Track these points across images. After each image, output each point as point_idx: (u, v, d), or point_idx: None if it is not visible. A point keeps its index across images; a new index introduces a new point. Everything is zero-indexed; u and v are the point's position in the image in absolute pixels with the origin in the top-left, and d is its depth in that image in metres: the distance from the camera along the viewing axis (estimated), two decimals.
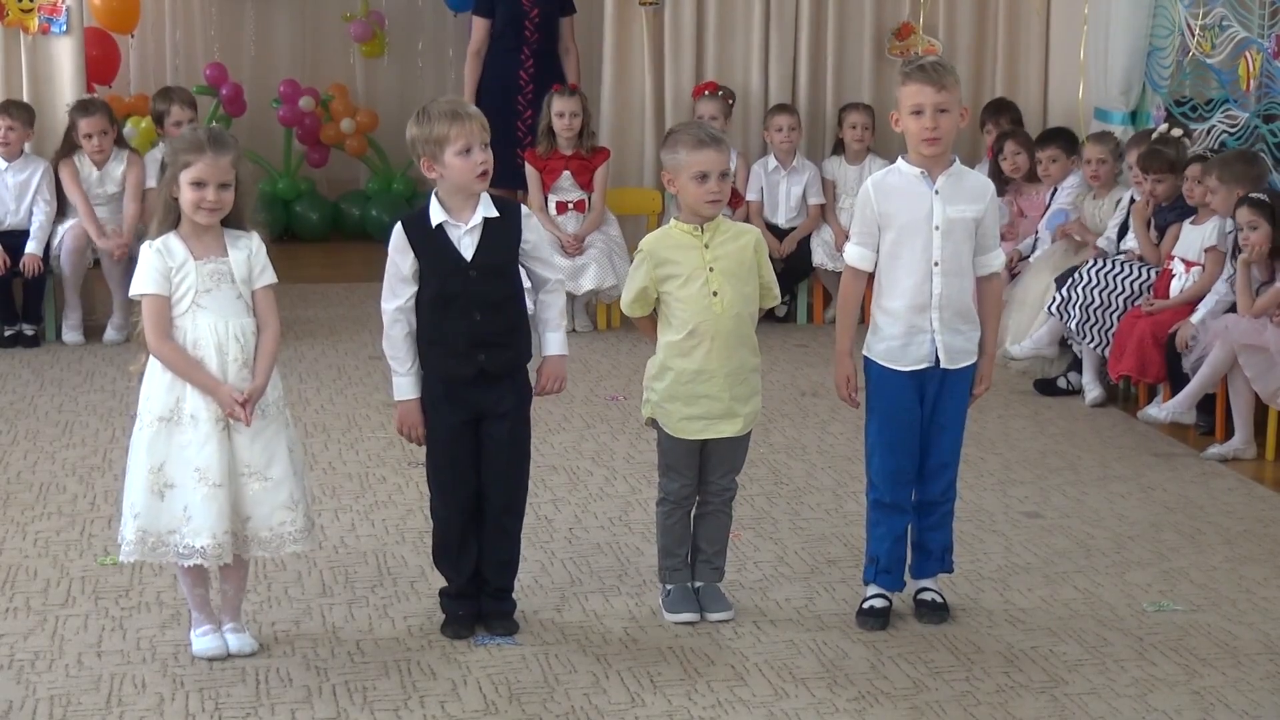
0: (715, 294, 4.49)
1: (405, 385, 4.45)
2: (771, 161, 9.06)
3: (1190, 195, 7.01)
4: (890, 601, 4.63)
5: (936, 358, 4.52)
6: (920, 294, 4.48)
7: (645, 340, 4.75)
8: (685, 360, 4.52)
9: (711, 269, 4.49)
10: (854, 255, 4.59)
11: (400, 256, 4.39)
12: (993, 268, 4.59)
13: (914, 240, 4.48)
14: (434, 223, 4.38)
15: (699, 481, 4.62)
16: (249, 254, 4.27)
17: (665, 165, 4.55)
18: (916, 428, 4.56)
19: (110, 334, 8.33)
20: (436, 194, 4.42)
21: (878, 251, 4.53)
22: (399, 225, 4.43)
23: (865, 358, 4.59)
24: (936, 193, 4.47)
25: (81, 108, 8.34)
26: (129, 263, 8.26)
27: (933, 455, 4.60)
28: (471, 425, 4.45)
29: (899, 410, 4.55)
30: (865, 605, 4.63)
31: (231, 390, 4.17)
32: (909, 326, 4.51)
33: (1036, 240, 8.14)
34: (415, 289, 4.39)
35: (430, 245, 4.38)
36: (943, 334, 4.51)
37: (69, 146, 8.36)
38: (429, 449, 4.51)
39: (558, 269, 4.64)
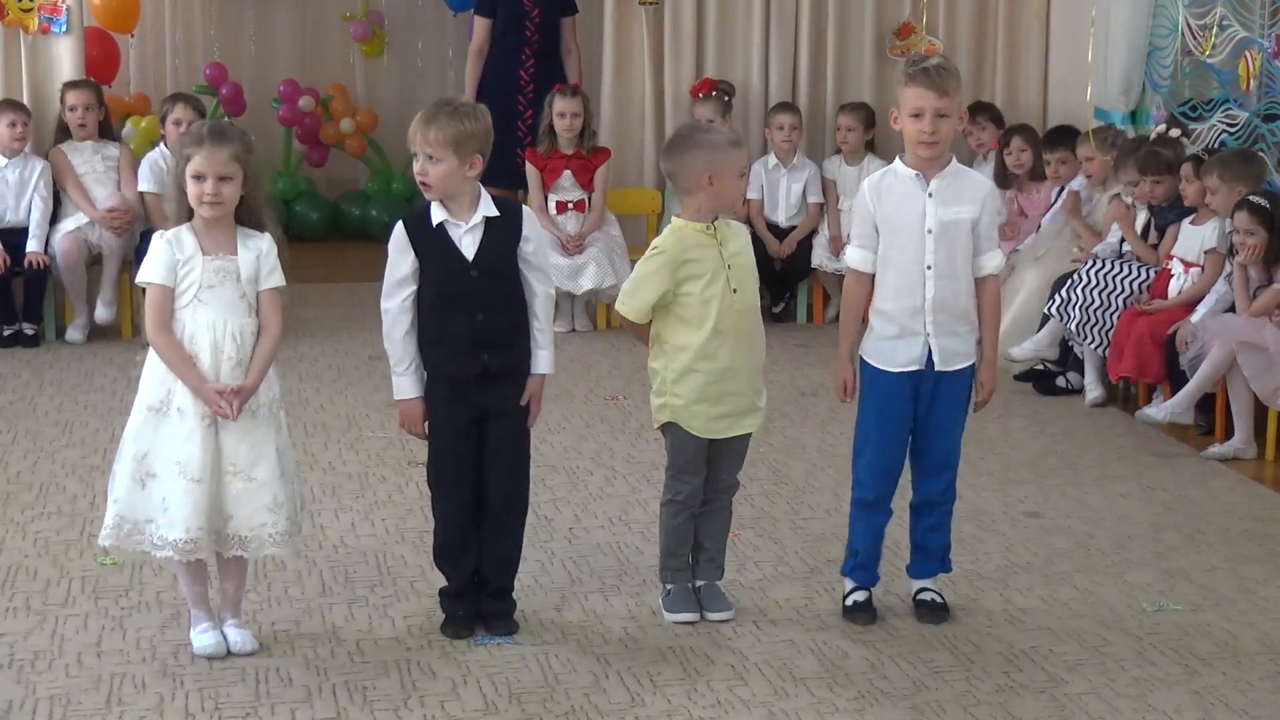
0: (735, 291, 4.49)
1: (405, 384, 4.44)
2: (772, 160, 9.07)
3: (1184, 196, 7.01)
4: (870, 592, 4.65)
5: (930, 360, 4.52)
6: (913, 297, 4.48)
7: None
8: (712, 361, 4.50)
9: (730, 266, 4.50)
10: (855, 258, 4.58)
11: (400, 256, 4.38)
12: (989, 269, 4.56)
13: (906, 243, 4.47)
14: (435, 221, 4.38)
15: (706, 480, 4.62)
16: (259, 254, 4.26)
17: (708, 165, 4.44)
18: (907, 428, 4.57)
19: (100, 312, 8.36)
20: None
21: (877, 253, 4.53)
22: (399, 224, 4.42)
23: (860, 357, 4.60)
24: (930, 195, 4.47)
25: (71, 83, 8.51)
26: (129, 239, 8.30)
27: (930, 456, 4.60)
28: (474, 425, 4.45)
29: (890, 410, 4.55)
30: (849, 602, 4.65)
31: (216, 387, 4.16)
32: (902, 328, 4.50)
33: (1036, 237, 8.12)
34: (415, 288, 4.39)
35: (431, 244, 4.37)
36: (937, 337, 4.50)
37: (59, 134, 8.47)
38: (431, 448, 4.50)
39: (551, 280, 4.59)
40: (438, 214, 4.38)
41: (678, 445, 4.58)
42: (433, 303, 4.38)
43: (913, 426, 4.57)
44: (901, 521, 4.72)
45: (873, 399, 4.58)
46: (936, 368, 4.52)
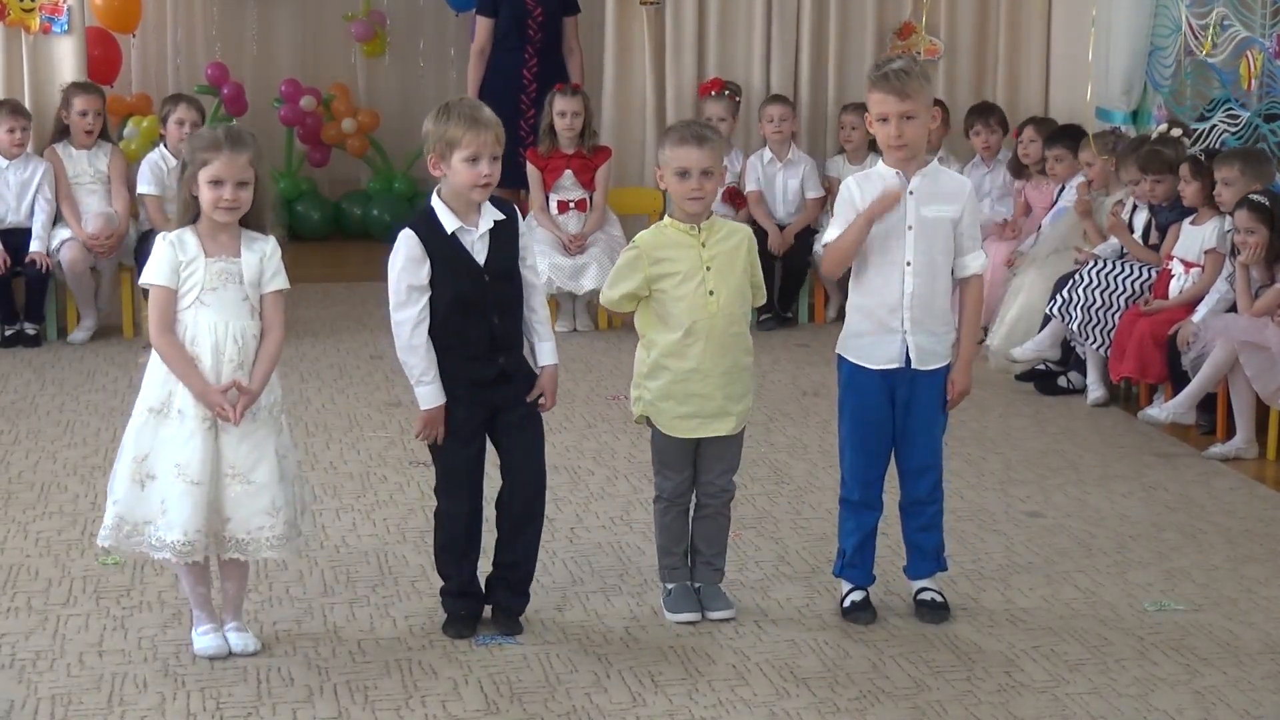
0: (711, 293, 4.48)
1: (433, 393, 4.38)
2: (767, 154, 9.05)
3: (1183, 197, 7.01)
4: (866, 592, 4.66)
5: (907, 358, 4.52)
6: (892, 293, 4.49)
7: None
8: (680, 360, 4.51)
9: (708, 268, 4.49)
10: (832, 235, 4.56)
11: (416, 264, 4.33)
12: (971, 270, 4.58)
13: (887, 239, 4.49)
14: (448, 229, 4.35)
15: (696, 482, 4.62)
16: (262, 257, 4.26)
17: (658, 161, 4.58)
18: (887, 428, 4.57)
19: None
20: (440, 194, 4.40)
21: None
22: (411, 234, 4.34)
23: (839, 355, 4.62)
24: (910, 193, 4.48)
25: (79, 86, 8.48)
26: (122, 248, 8.32)
27: (912, 458, 4.60)
28: (485, 424, 4.46)
29: (869, 409, 4.56)
30: (846, 603, 4.66)
31: (220, 386, 4.16)
32: (879, 325, 4.52)
33: (1039, 237, 8.14)
34: (429, 295, 4.36)
35: (445, 252, 4.35)
36: (914, 334, 4.51)
37: (56, 133, 8.46)
38: (444, 450, 4.48)
39: (539, 273, 4.61)
40: (449, 221, 4.36)
41: (656, 441, 4.62)
42: (449, 309, 4.36)
43: (892, 428, 4.57)
44: (899, 522, 4.72)
45: (850, 398, 4.60)
46: (913, 365, 4.52)
